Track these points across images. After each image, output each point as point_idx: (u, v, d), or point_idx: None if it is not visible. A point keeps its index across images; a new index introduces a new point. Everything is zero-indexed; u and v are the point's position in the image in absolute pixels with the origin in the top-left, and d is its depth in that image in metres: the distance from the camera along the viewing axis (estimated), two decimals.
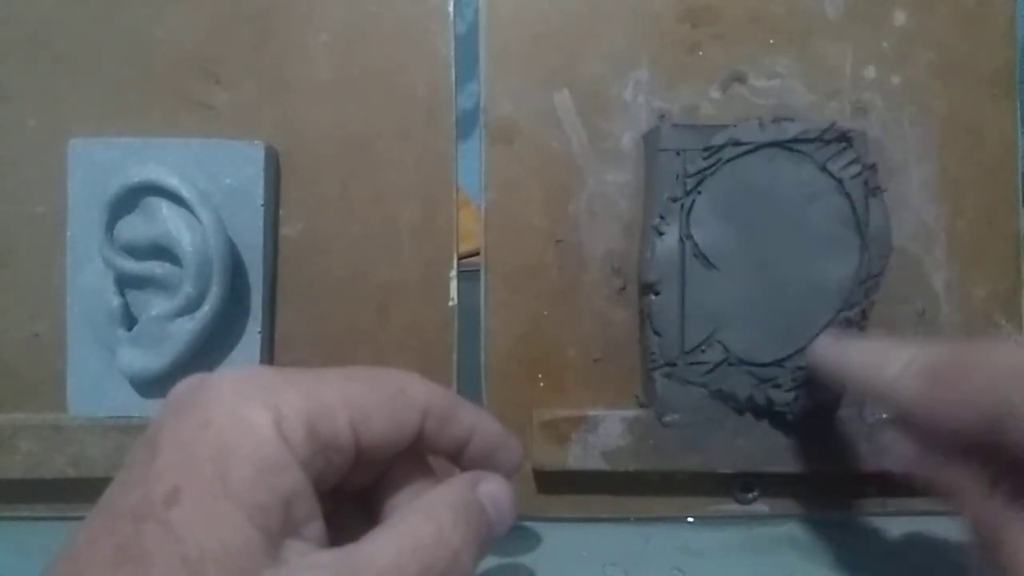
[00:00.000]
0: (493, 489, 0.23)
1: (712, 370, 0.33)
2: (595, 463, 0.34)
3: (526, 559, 0.33)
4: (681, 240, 0.33)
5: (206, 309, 0.32)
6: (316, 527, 0.20)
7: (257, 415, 0.19)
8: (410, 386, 0.22)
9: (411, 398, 0.22)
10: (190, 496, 0.18)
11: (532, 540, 0.34)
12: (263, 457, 0.19)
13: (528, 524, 0.35)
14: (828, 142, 0.33)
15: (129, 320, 0.33)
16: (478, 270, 0.35)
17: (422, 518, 0.21)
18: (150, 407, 0.34)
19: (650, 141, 0.34)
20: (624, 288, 0.35)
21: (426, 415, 0.22)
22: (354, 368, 0.22)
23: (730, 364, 0.33)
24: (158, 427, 0.20)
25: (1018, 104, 0.35)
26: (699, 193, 0.33)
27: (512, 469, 0.25)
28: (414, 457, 0.24)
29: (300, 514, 0.19)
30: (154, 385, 0.33)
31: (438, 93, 0.35)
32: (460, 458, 0.24)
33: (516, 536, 0.34)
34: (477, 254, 0.36)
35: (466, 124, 0.36)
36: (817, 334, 0.32)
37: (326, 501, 0.21)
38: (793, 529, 0.35)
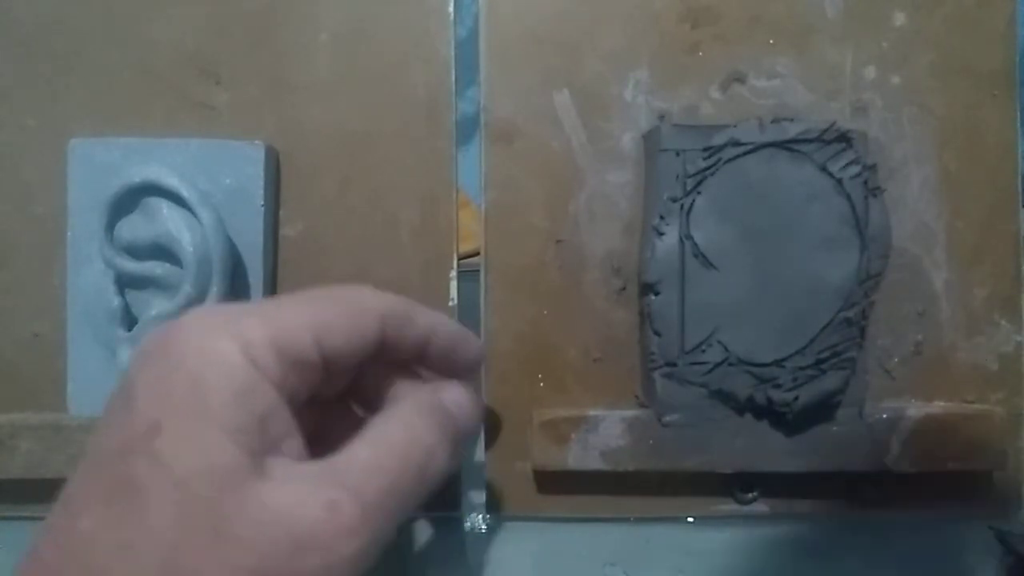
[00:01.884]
0: (455, 394, 0.25)
1: (712, 370, 0.33)
2: (595, 463, 0.34)
3: (526, 559, 0.33)
4: (681, 240, 0.33)
5: None
6: (295, 443, 0.21)
7: (224, 346, 0.20)
8: (365, 297, 0.24)
9: (367, 307, 0.23)
10: (171, 426, 0.19)
11: (532, 540, 0.34)
12: (236, 382, 0.20)
13: (528, 524, 0.35)
14: (828, 142, 0.33)
15: (129, 320, 0.33)
16: (478, 270, 0.35)
17: (395, 422, 0.23)
18: None
19: (650, 141, 0.34)
20: (624, 288, 0.35)
21: (384, 320, 0.23)
22: (310, 290, 0.24)
23: (730, 364, 0.33)
24: (132, 375, 0.21)
25: (1018, 104, 0.35)
26: (699, 193, 0.33)
27: (475, 364, 0.27)
28: (382, 362, 0.25)
29: (278, 431, 0.20)
30: None
31: (438, 93, 0.35)
32: (423, 361, 0.26)
33: (516, 536, 0.34)
34: (477, 254, 0.36)
35: (466, 129, 0.36)
36: (817, 334, 0.32)
37: (305, 413, 0.22)
38: (793, 529, 0.35)
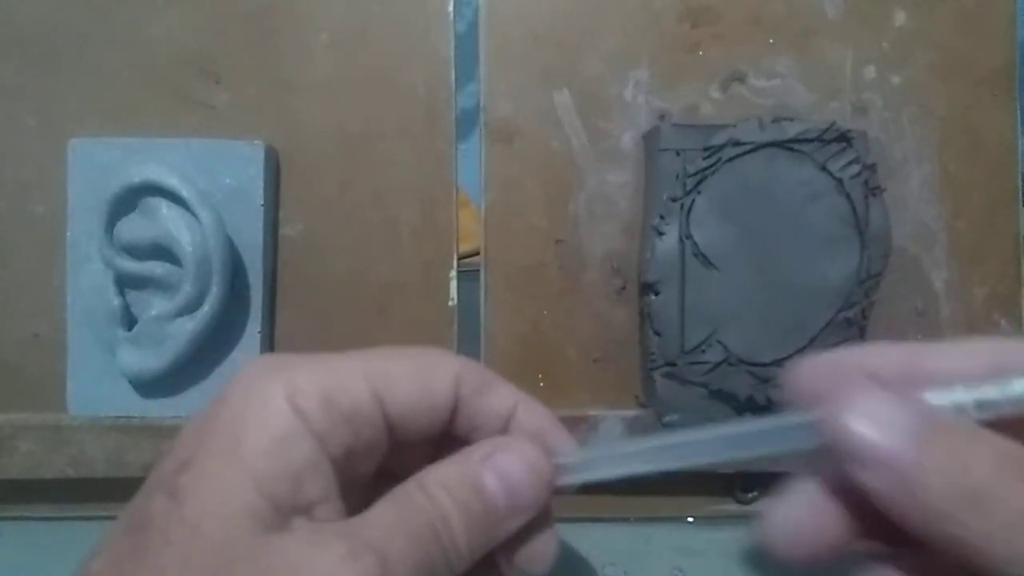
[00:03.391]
0: (505, 462, 0.21)
1: (712, 370, 0.33)
2: None
3: None
4: (681, 240, 0.33)
5: (206, 309, 0.32)
6: (329, 509, 0.19)
7: (270, 388, 0.19)
8: (438, 356, 0.21)
9: (440, 366, 0.21)
10: (199, 464, 0.18)
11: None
12: (275, 428, 0.18)
13: None
14: (828, 142, 0.33)
15: (129, 320, 0.33)
16: (478, 270, 0.35)
17: (414, 487, 0.20)
18: (150, 407, 0.34)
19: (650, 141, 0.34)
20: (624, 288, 0.35)
21: (458, 382, 0.21)
22: (378, 347, 0.21)
23: (730, 364, 0.33)
24: (188, 423, 0.20)
25: (1018, 104, 0.35)
26: (699, 193, 0.33)
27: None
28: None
29: (313, 492, 0.19)
30: (154, 385, 0.33)
31: (438, 93, 0.35)
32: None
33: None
34: (477, 254, 0.36)
35: (466, 124, 0.36)
36: (817, 334, 0.32)
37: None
38: None
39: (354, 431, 0.19)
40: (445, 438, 0.22)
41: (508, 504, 0.21)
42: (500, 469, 0.21)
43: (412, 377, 0.20)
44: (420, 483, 0.20)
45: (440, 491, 0.20)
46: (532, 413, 0.22)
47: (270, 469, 0.18)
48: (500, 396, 0.22)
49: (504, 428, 0.22)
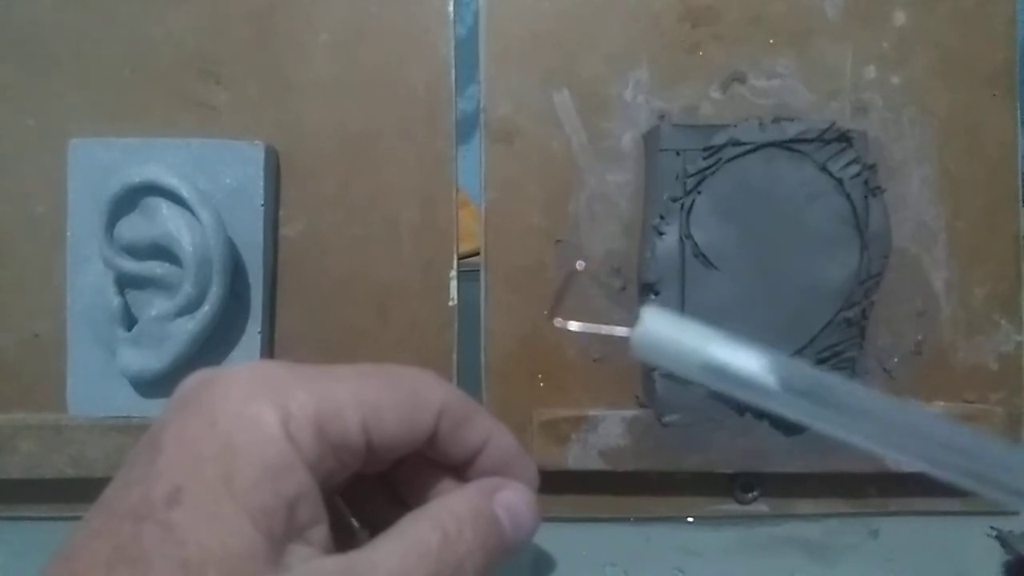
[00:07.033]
0: (511, 498, 0.22)
1: None
2: (595, 463, 0.34)
3: (526, 559, 0.33)
4: (681, 240, 0.33)
5: (206, 309, 0.32)
6: (320, 531, 0.19)
7: (264, 414, 0.18)
8: (425, 386, 0.22)
9: (426, 399, 0.21)
10: (192, 496, 0.17)
11: (532, 540, 0.34)
12: (269, 458, 0.18)
13: None
14: (828, 142, 0.33)
15: (129, 320, 0.33)
16: (478, 270, 0.35)
17: (428, 525, 0.20)
18: (150, 407, 0.34)
19: (650, 141, 0.34)
20: (624, 288, 0.35)
21: (440, 416, 0.22)
22: (368, 365, 0.22)
23: None
24: (162, 424, 0.19)
25: (1018, 104, 0.35)
26: (699, 193, 0.33)
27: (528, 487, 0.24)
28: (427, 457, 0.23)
29: (304, 517, 0.18)
30: (154, 385, 0.33)
31: (438, 93, 0.35)
32: (470, 469, 0.23)
33: None
34: (477, 254, 0.36)
35: (466, 127, 0.36)
36: (817, 334, 0.32)
37: (339, 487, 0.20)
38: (793, 529, 0.35)
39: (339, 458, 0.20)
40: None
41: (513, 538, 0.22)
42: (507, 503, 0.22)
43: (398, 409, 0.21)
44: (433, 520, 0.20)
45: (458, 524, 0.20)
46: (501, 447, 0.23)
47: (265, 502, 0.18)
48: (475, 431, 0.22)
49: (473, 458, 0.23)
